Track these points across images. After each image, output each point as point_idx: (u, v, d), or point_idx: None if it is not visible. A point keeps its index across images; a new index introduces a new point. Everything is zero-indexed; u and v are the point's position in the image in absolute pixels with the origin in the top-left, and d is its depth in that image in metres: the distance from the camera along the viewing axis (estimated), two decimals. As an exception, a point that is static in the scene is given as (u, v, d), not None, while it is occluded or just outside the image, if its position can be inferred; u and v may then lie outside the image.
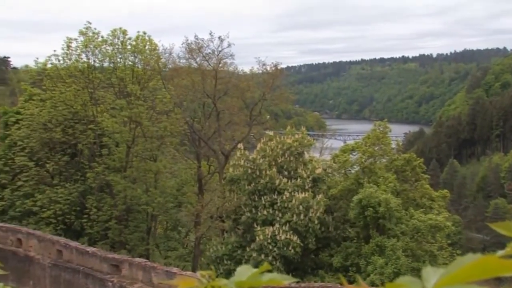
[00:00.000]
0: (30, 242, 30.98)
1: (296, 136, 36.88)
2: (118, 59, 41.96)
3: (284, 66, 53.74)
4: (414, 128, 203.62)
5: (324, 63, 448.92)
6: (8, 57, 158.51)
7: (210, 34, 40.78)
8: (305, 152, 36.87)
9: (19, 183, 40.60)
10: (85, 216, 39.24)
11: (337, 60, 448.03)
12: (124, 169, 40.77)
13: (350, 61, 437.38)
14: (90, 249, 28.92)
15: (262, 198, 33.47)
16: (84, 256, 28.16)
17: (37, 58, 43.99)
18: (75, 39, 40.46)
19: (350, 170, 37.63)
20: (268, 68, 42.47)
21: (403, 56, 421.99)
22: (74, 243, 29.81)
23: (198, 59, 41.76)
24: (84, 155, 43.04)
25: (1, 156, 42.84)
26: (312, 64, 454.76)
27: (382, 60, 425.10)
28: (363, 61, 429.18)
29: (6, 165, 41.59)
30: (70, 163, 42.45)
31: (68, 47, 40.41)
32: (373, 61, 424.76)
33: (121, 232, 39.75)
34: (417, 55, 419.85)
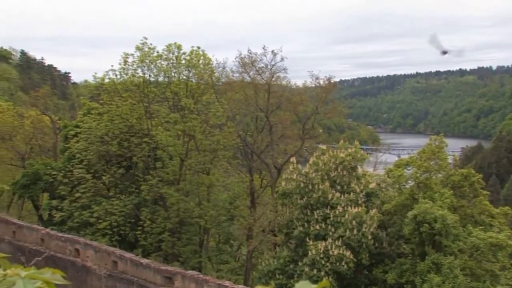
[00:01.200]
0: (87, 253, 31.69)
1: (349, 150, 36.39)
2: (173, 74, 42.70)
3: (337, 79, 53.51)
4: (472, 143, 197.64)
5: (378, 76, 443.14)
6: (69, 73, 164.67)
7: (263, 48, 41.03)
8: (359, 167, 36.31)
9: (77, 194, 41.71)
10: (139, 228, 39.83)
11: (391, 74, 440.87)
12: (177, 182, 41.25)
13: (404, 74, 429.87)
14: (144, 260, 29.30)
15: (315, 213, 33.11)
16: (138, 267, 28.56)
17: (96, 73, 45.29)
18: (132, 54, 41.48)
19: (404, 185, 36.76)
20: (321, 82, 42.29)
21: (460, 69, 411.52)
22: (128, 255, 30.28)
23: (251, 73, 42.02)
24: (139, 168, 43.83)
25: (61, 168, 44.21)
26: (366, 77, 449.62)
27: (438, 73, 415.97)
28: (418, 74, 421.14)
29: (66, 177, 42.84)
30: (125, 175, 43.32)
31: (125, 62, 41.41)
32: (429, 74, 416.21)
33: (174, 245, 40.13)
34: (475, 67, 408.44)
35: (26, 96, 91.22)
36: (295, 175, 34.55)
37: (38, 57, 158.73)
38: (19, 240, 35.04)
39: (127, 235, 40.79)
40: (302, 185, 33.97)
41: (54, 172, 44.30)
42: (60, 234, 34.30)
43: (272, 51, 40.97)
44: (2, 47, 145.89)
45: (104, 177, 42.33)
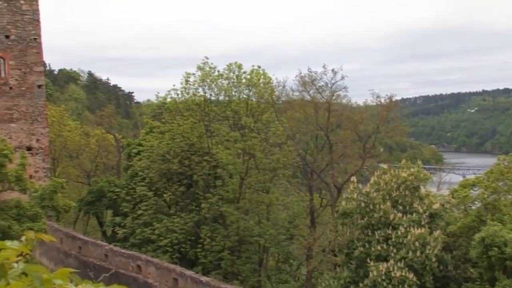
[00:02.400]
0: (149, 269, 32.16)
1: (412, 169, 35.50)
2: (233, 93, 43.20)
3: (398, 98, 52.57)
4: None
5: (441, 94, 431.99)
6: (132, 93, 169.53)
7: (324, 66, 40.97)
8: (421, 186, 35.35)
9: (139, 212, 42.57)
10: (199, 245, 40.13)
11: (456, 91, 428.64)
12: (237, 201, 41.42)
13: (470, 92, 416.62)
14: (204, 278, 29.42)
15: (376, 233, 32.38)
16: (198, 285, 28.68)
17: (158, 93, 46.44)
18: (193, 74, 42.31)
19: (470, 206, 35.44)
20: (382, 100, 41.72)
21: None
22: (189, 272, 30.49)
23: (311, 92, 42.01)
24: (199, 186, 44.31)
25: (124, 186, 45.34)
26: (429, 95, 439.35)
27: (506, 90, 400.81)
28: (484, 92, 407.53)
29: (128, 194, 43.86)
30: (185, 193, 43.89)
31: (187, 81, 42.29)
32: (496, 92, 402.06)
33: (233, 263, 40.18)
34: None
35: (92, 115, 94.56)
36: (355, 194, 33.98)
37: (104, 78, 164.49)
38: (84, 255, 36.01)
39: (187, 252, 41.18)
40: (363, 204, 33.36)
41: (118, 190, 45.46)
42: (123, 251, 34.98)
43: (332, 70, 40.89)
44: (71, 69, 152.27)
45: (165, 195, 43.04)
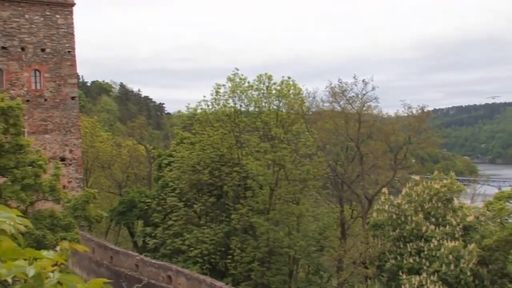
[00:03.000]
0: (179, 280, 32.22)
1: (445, 181, 34.97)
2: (263, 104, 43.24)
3: (430, 108, 51.93)
4: None
5: (475, 105, 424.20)
6: (163, 104, 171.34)
7: (354, 77, 40.75)
8: (455, 198, 34.76)
9: (170, 222, 42.78)
10: (229, 256, 40.09)
11: (490, 102, 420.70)
12: (267, 212, 41.29)
13: (505, 102, 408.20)
14: (234, 289, 29.35)
15: (408, 245, 31.94)
16: (228, 296, 28.60)
17: (189, 104, 46.82)
18: (223, 85, 42.53)
19: (507, 219, 34.65)
20: (414, 111, 41.31)
21: None
22: (219, 283, 30.45)
23: (341, 103, 41.80)
24: (229, 197, 44.34)
25: (154, 196, 45.70)
26: (462, 106, 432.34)
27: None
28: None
29: (159, 205, 44.16)
30: (216, 204, 43.96)
31: (217, 92, 42.51)
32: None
33: (263, 274, 39.99)
34: None
35: (123, 126, 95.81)
36: (387, 206, 33.64)
37: (135, 89, 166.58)
38: (115, 265, 36.33)
39: (217, 263, 41.18)
40: (394, 216, 32.99)
41: (148, 200, 45.82)
42: (154, 261, 35.16)
43: (363, 81, 40.63)
44: (103, 81, 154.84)
45: (195, 206, 43.19)
